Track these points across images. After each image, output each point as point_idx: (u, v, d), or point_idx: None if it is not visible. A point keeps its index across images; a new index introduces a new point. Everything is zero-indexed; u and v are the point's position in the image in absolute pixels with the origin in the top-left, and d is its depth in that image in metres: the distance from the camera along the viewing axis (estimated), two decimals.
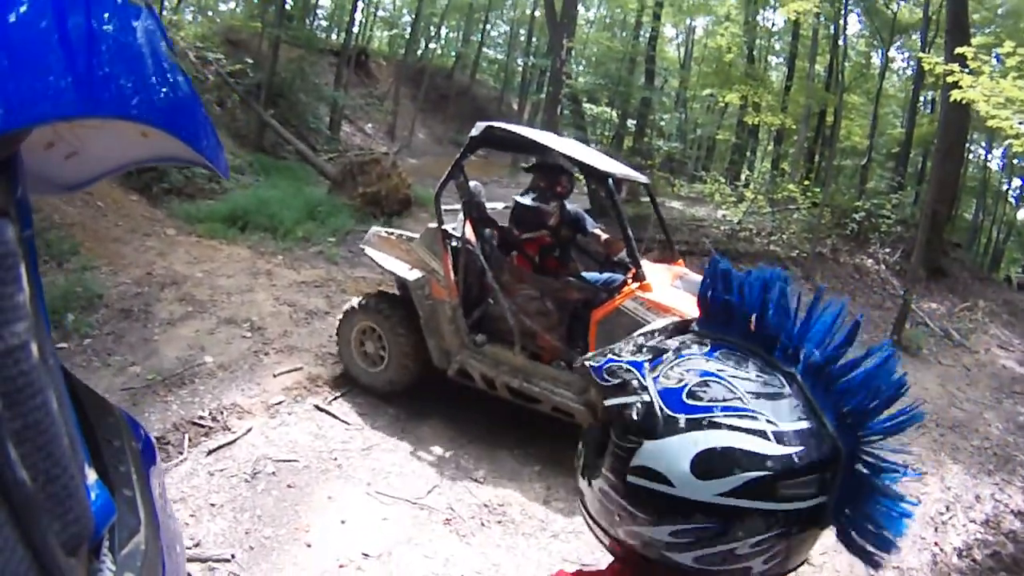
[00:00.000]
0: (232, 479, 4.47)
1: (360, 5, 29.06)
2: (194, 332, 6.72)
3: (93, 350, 6.25)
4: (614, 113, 19.09)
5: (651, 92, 19.80)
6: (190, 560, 3.68)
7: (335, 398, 5.76)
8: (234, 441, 4.93)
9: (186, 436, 4.93)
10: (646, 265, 5.13)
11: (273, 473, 4.58)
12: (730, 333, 0.97)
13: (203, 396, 5.57)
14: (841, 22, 16.13)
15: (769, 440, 0.83)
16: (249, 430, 5.09)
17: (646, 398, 0.90)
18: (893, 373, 0.87)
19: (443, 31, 37.27)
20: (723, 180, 16.40)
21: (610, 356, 1.01)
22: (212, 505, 4.18)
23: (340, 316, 6.04)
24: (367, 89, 27.99)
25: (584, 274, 5.51)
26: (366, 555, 3.86)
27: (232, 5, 31.30)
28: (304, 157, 16.19)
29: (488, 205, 5.96)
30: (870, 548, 0.88)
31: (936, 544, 4.78)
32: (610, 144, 18.81)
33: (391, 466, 4.84)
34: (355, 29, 28.18)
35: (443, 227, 5.49)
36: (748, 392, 0.87)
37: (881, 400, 0.86)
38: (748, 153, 24.05)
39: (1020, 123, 8.23)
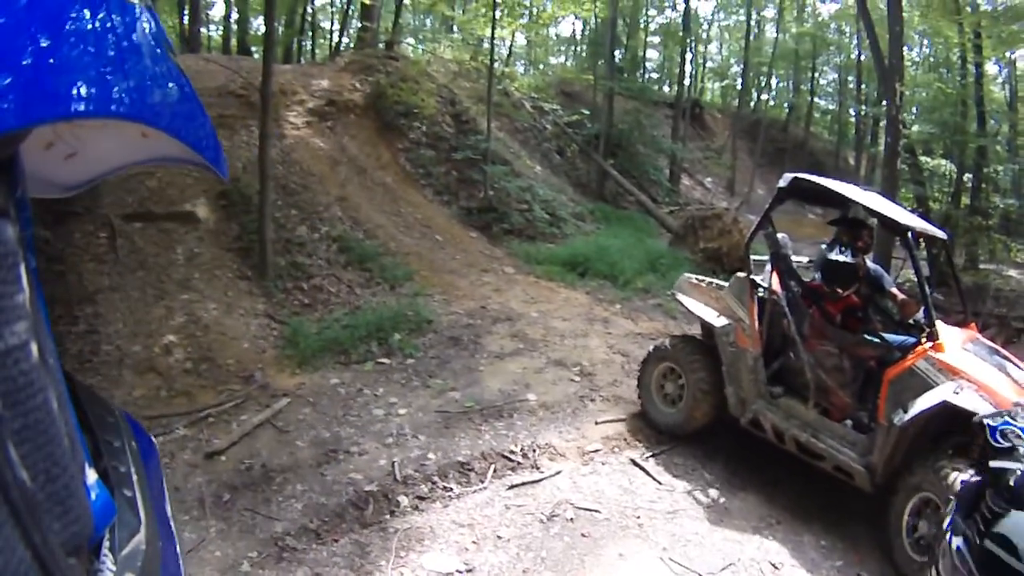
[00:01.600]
0: (527, 516, 4.52)
1: (688, 56, 29.19)
2: (521, 368, 6.97)
3: (415, 370, 6.73)
4: (951, 166, 17.03)
5: (986, 139, 17.42)
6: None
7: (653, 455, 5.64)
8: (539, 481, 5.01)
9: (492, 467, 5.11)
10: (941, 327, 4.94)
11: (571, 519, 4.56)
12: None
13: (518, 432, 5.73)
14: None
15: None
16: (558, 472, 5.14)
17: None
18: None
19: (773, 80, 36.34)
20: None
21: (1006, 419, 0.96)
22: (499, 537, 4.25)
23: (645, 355, 6.21)
24: (703, 142, 28.09)
25: (883, 334, 5.36)
26: None
27: (561, 59, 33.04)
28: (645, 208, 16.55)
29: (793, 258, 5.89)
30: None
31: None
32: (947, 201, 16.77)
33: (692, 535, 4.61)
34: (686, 81, 28.36)
35: (752, 277, 5.58)
36: None
37: None
38: None
39: None
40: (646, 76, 29.85)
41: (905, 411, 4.46)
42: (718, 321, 5.65)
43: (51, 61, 0.86)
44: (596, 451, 5.54)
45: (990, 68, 26.92)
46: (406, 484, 4.70)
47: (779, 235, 5.66)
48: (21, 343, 0.86)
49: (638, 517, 4.69)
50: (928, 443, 4.64)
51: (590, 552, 4.24)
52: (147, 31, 1.15)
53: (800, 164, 26.85)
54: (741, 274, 5.68)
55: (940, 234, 5.87)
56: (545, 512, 4.59)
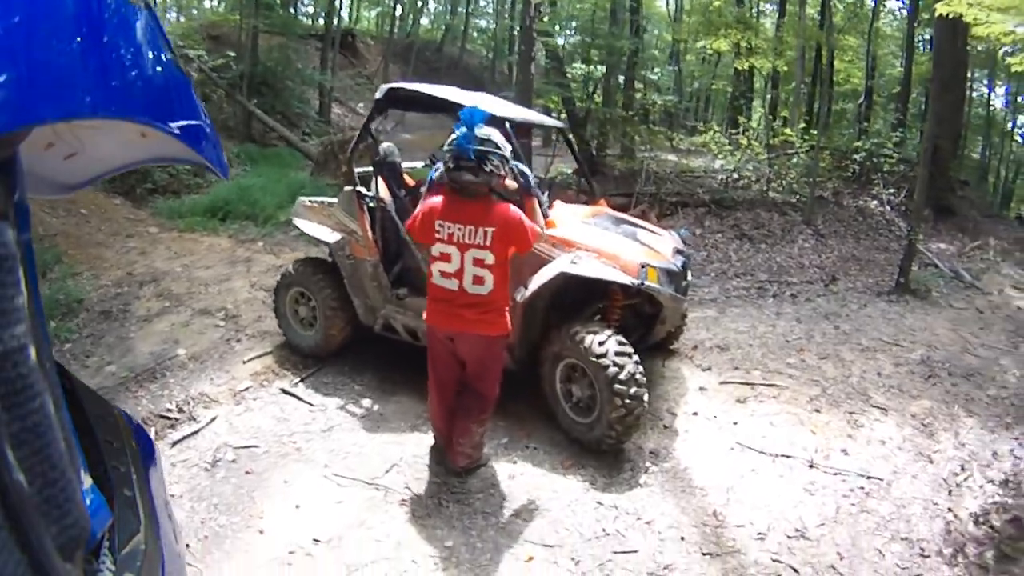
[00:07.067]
0: (192, 469, 4.41)
1: None
2: (169, 326, 6.72)
3: (72, 354, 6.29)
4: (599, 69, 18.48)
5: (638, 45, 19.10)
6: None
7: (301, 380, 5.66)
8: (198, 431, 4.87)
9: (153, 430, 4.87)
10: (559, 206, 5.33)
11: (233, 460, 4.50)
12: None
13: (172, 388, 5.54)
14: None
15: None
16: (214, 419, 5.04)
17: None
18: None
19: (431, 5, 36.98)
20: (718, 129, 15.98)
21: None
22: (172, 496, 4.05)
23: (274, 284, 6.18)
24: (356, 70, 27.81)
25: None
26: (316, 540, 3.72)
27: (215, 2, 31.18)
28: (289, 142, 16.12)
29: (406, 165, 6.14)
30: None
31: (950, 510, 4.20)
32: (599, 102, 18.25)
33: (351, 446, 4.70)
34: (343, 12, 27.95)
35: (359, 188, 5.62)
36: None
37: None
38: (742, 101, 23.37)
39: (1017, 27, 7.58)
40: (297, 10, 28.85)
41: (526, 287, 4.63)
42: (332, 237, 5.69)
43: (49, 61, 0.84)
44: (246, 389, 5.47)
45: None
46: None
47: (385, 144, 5.76)
48: (20, 346, 0.85)
49: (295, 442, 4.72)
50: (568, 313, 4.91)
51: (257, 487, 4.21)
52: (146, 30, 1.12)
53: (455, 80, 27.39)
54: (348, 188, 5.72)
55: (557, 124, 6.31)
56: (207, 460, 4.49)
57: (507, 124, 4.81)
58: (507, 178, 3.89)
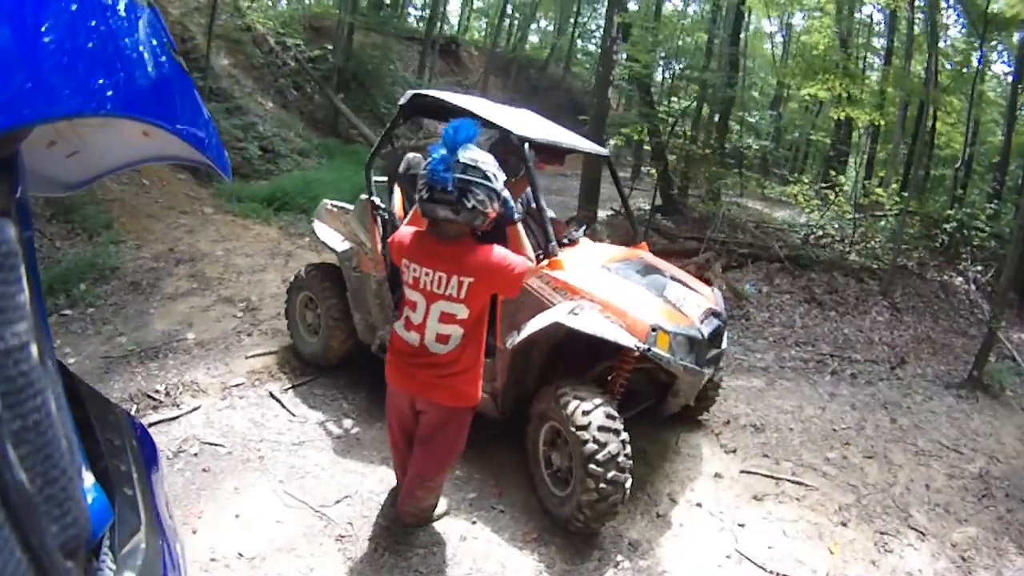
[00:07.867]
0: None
1: None
2: (189, 308, 6.74)
3: (91, 319, 6.38)
4: (688, 104, 17.69)
5: (731, 79, 18.23)
6: None
7: (293, 387, 5.46)
8: (176, 418, 4.79)
9: (135, 407, 4.87)
10: (585, 244, 4.85)
11: (195, 455, 4.38)
12: None
13: (169, 371, 5.51)
14: (939, 18, 14.59)
15: None
16: (195, 409, 4.94)
17: None
18: None
19: (541, 23, 37.16)
20: (807, 182, 15.20)
21: None
22: None
23: (288, 286, 6.03)
24: (456, 78, 27.98)
25: None
26: (240, 555, 3.52)
27: None
28: (368, 141, 16.23)
29: None
30: None
31: None
32: (689, 135, 17.51)
33: (313, 466, 4.42)
34: (453, 20, 28.37)
35: (373, 199, 5.28)
36: None
37: None
38: (833, 153, 22.39)
39: None
40: (404, 12, 29.52)
41: (519, 332, 4.11)
42: (341, 246, 5.38)
43: (50, 59, 0.83)
44: (237, 385, 5.33)
45: (766, 26, 29.23)
46: None
47: (410, 155, 5.37)
48: (22, 344, 0.85)
49: (260, 450, 4.52)
50: (570, 368, 4.39)
51: (208, 486, 4.06)
52: (148, 28, 1.11)
53: (557, 102, 27.79)
54: (363, 196, 5.36)
55: (602, 151, 5.78)
56: (173, 448, 4.39)
57: (526, 146, 4.39)
58: (494, 216, 3.14)
